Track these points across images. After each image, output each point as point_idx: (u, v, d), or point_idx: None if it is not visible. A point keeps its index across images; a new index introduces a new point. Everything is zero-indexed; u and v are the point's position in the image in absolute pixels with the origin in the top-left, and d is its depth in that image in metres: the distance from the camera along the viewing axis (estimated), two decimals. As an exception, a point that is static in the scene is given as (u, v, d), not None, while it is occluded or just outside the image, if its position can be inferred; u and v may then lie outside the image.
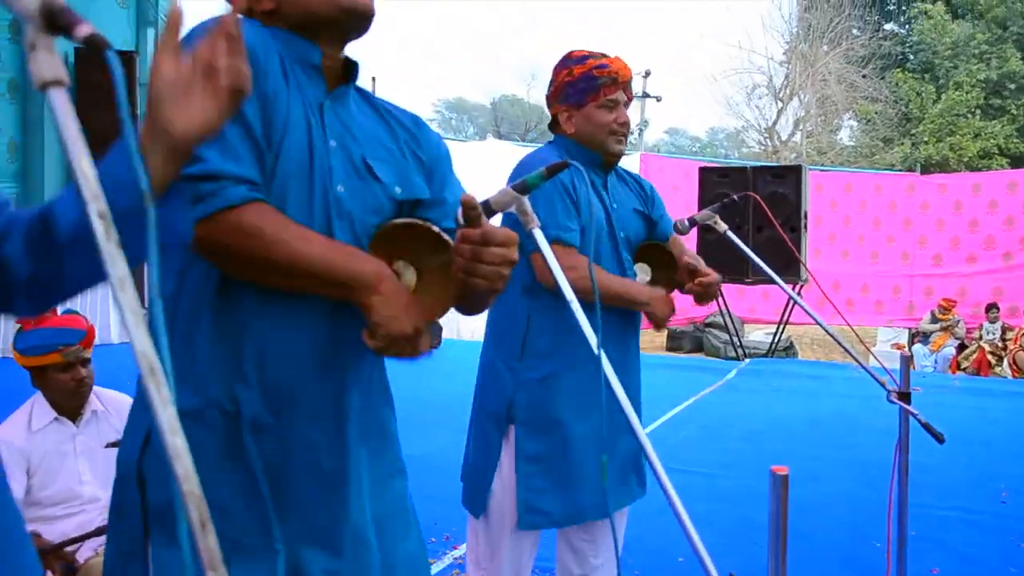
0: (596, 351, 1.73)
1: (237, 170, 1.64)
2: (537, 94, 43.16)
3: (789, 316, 11.98)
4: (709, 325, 13.50)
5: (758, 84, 36.44)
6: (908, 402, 2.95)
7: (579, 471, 3.08)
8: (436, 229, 1.81)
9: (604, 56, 3.13)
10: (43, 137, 10.85)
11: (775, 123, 36.46)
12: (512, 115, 43.83)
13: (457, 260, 1.68)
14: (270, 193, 1.70)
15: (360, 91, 1.97)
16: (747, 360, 10.90)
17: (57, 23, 1.00)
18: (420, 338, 1.73)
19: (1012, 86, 30.77)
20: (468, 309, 1.94)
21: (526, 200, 1.84)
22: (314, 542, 1.80)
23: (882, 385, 2.94)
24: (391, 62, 60.62)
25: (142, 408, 1.79)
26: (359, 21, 1.84)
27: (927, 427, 2.80)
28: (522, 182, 1.82)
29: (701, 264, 3.24)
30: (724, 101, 44.70)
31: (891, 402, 2.98)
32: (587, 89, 3.08)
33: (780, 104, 36.25)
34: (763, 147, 36.70)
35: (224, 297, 1.73)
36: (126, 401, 3.83)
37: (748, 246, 3.26)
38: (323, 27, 1.83)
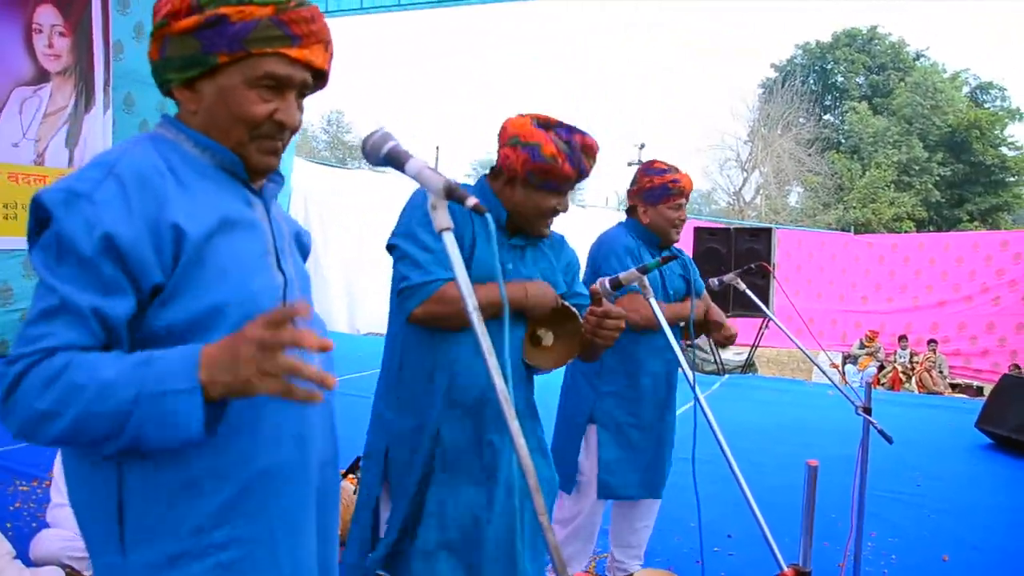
0: (693, 388, 2.04)
1: (440, 274, 2.05)
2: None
3: (759, 341, 12.19)
4: (690, 346, 13.70)
5: (728, 158, 36.70)
6: (870, 414, 3.07)
7: (640, 460, 3.27)
8: (568, 305, 2.17)
9: (678, 171, 3.32)
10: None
11: (741, 188, 36.65)
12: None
13: (586, 326, 2.06)
14: None
15: None
16: (726, 376, 11.07)
17: (453, 195, 1.26)
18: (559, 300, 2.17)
19: (916, 167, 31.31)
20: (587, 358, 2.30)
21: (646, 278, 2.16)
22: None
23: (851, 402, 3.07)
24: (452, 131, 60.75)
25: (380, 428, 2.25)
26: (543, 235, 2.28)
27: (881, 432, 2.90)
28: (644, 266, 2.15)
29: (724, 321, 3.45)
30: (701, 169, 44.70)
31: (858, 414, 3.09)
32: (662, 195, 3.26)
33: (745, 174, 36.43)
34: (730, 206, 36.82)
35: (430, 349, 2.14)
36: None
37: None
38: (521, 223, 2.23)
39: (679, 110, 66.53)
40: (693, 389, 2.09)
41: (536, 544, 2.26)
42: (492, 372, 1.18)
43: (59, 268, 1.16)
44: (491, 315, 2.10)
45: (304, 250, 1.57)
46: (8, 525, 3.58)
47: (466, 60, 70.44)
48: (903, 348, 14.56)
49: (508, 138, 2.14)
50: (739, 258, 10.37)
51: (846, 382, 14.44)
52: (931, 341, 14.41)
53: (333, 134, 39.80)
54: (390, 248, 2.15)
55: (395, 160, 1.36)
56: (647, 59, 71.21)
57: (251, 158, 1.36)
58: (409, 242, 2.10)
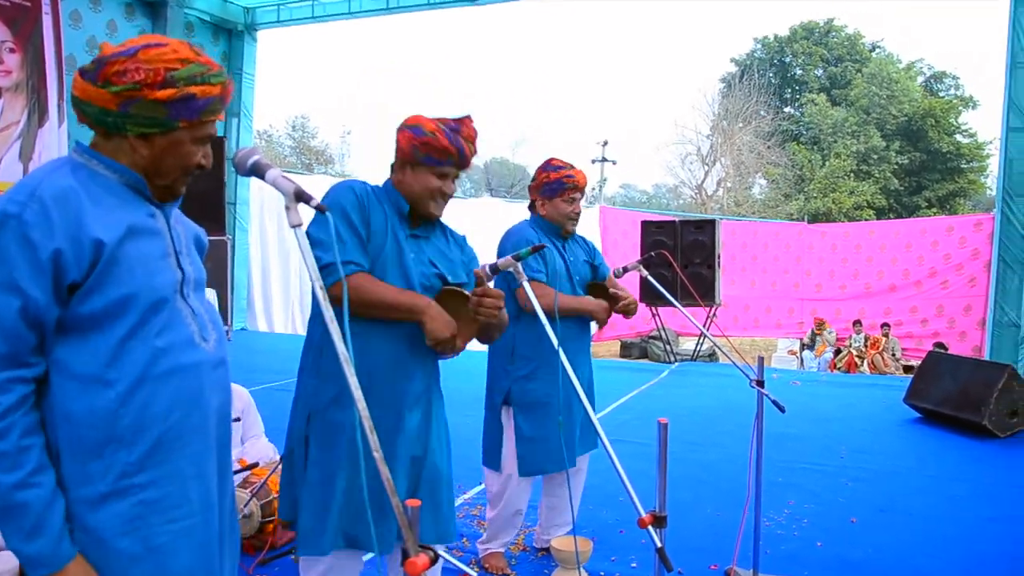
0: (556, 348, 2.30)
1: (351, 257, 2.29)
2: (520, 156, 43.45)
3: (708, 328, 12.48)
4: (652, 338, 14.04)
5: (689, 152, 37.10)
6: (763, 387, 3.36)
7: (553, 436, 3.48)
8: (466, 292, 2.41)
9: (572, 168, 3.59)
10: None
11: (703, 182, 37.03)
12: (500, 173, 43.67)
13: (471, 306, 2.33)
14: (375, 274, 2.34)
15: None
16: (677, 363, 11.37)
17: (302, 198, 1.55)
18: (455, 341, 2.36)
19: (875, 156, 31.90)
20: (485, 340, 2.57)
21: (519, 264, 2.45)
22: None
23: (746, 376, 3.38)
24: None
25: (303, 401, 2.41)
26: (433, 215, 2.49)
27: (774, 402, 3.20)
28: (516, 254, 2.43)
29: (622, 293, 3.67)
30: (664, 164, 45.29)
31: (752, 387, 3.38)
32: (557, 189, 3.54)
33: (706, 167, 36.80)
34: (695, 199, 37.21)
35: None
36: (242, 390, 4.38)
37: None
38: (414, 206, 2.46)
39: (641, 107, 67.09)
40: (562, 366, 2.36)
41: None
42: (357, 401, 1.44)
43: None
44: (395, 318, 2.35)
45: (201, 247, 1.87)
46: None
47: (428, 64, 70.40)
48: (857, 333, 14.98)
49: (400, 127, 2.46)
50: (685, 249, 10.68)
51: (804, 367, 14.94)
52: (884, 325, 14.82)
53: (298, 139, 39.78)
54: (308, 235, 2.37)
55: (257, 170, 1.66)
56: (608, 57, 71.70)
57: (178, 190, 1.70)
58: (322, 230, 2.31)
